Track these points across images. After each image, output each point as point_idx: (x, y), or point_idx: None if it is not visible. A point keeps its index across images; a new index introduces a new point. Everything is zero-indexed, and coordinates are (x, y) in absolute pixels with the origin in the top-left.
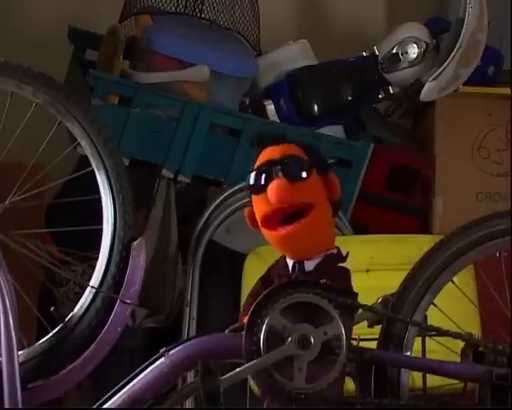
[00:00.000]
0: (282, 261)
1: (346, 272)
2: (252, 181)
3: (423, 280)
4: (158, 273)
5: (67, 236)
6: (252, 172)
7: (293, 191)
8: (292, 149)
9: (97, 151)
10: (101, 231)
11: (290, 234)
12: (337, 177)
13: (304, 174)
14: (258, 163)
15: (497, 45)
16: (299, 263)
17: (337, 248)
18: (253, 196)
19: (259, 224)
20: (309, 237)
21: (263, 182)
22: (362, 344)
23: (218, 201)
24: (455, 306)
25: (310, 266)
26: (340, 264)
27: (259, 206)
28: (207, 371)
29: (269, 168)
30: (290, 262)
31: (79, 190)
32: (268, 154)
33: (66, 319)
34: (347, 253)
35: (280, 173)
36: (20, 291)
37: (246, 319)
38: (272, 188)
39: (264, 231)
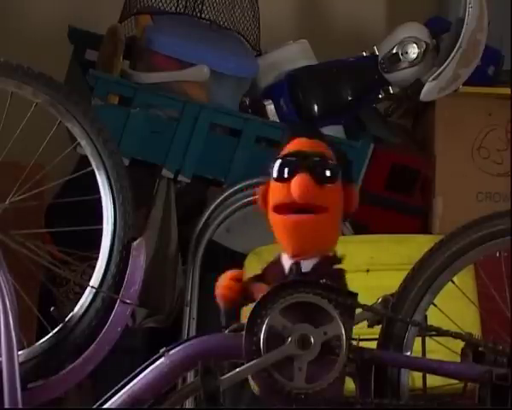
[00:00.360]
0: (277, 262)
1: (343, 273)
2: (277, 168)
3: (423, 280)
4: (158, 273)
5: (67, 236)
6: (278, 158)
7: (316, 192)
8: (323, 147)
9: (97, 151)
10: (101, 231)
11: (299, 223)
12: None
13: (330, 178)
14: (286, 151)
15: (497, 45)
16: (296, 264)
17: (334, 251)
18: (272, 181)
19: (270, 207)
20: (315, 233)
21: (288, 173)
22: (362, 344)
23: (218, 201)
24: (455, 306)
25: (307, 266)
26: (336, 266)
27: (278, 193)
28: (207, 371)
29: (297, 161)
30: (287, 263)
31: (79, 190)
32: (298, 144)
33: (66, 319)
34: (343, 255)
35: (307, 170)
36: (20, 291)
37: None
38: (297, 183)
39: (272, 215)
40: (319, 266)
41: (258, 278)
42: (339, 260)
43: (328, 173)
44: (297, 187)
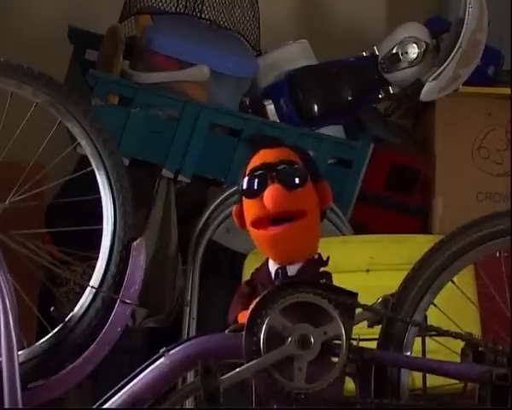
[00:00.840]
0: (264, 268)
1: (329, 276)
2: (245, 185)
3: (423, 280)
4: (158, 273)
5: (67, 236)
6: (245, 175)
7: (290, 199)
8: (287, 153)
9: (97, 151)
10: (101, 231)
11: (280, 234)
12: (330, 181)
13: (300, 182)
14: (251, 166)
15: (497, 45)
16: (281, 268)
17: (318, 253)
18: (245, 199)
19: (248, 225)
20: (297, 240)
21: (257, 187)
22: (362, 344)
23: (218, 201)
24: (455, 306)
25: (292, 270)
26: (322, 268)
27: (252, 209)
28: (207, 371)
29: (264, 174)
30: (273, 268)
31: (79, 190)
32: (263, 157)
33: (66, 319)
34: (328, 257)
35: (276, 180)
36: (20, 291)
37: (241, 318)
38: (269, 195)
39: (252, 231)
40: (305, 269)
41: (248, 284)
42: (325, 263)
43: (297, 178)
44: (270, 199)
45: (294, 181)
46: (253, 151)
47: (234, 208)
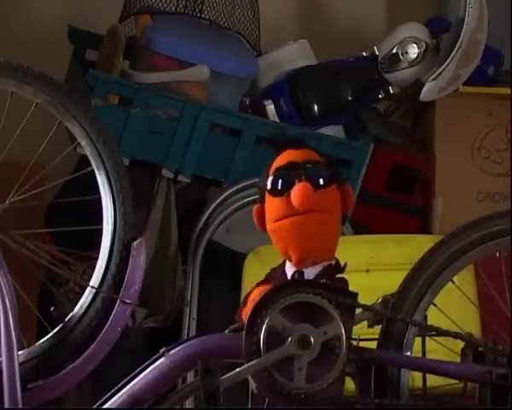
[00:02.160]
0: (279, 270)
1: (345, 282)
2: (271, 183)
3: (423, 280)
4: (158, 273)
5: (67, 236)
6: (269, 175)
7: (316, 197)
8: (312, 154)
9: (97, 151)
10: (101, 231)
11: (304, 221)
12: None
13: (326, 182)
14: (276, 165)
15: (497, 45)
16: (299, 272)
17: (336, 258)
18: (268, 197)
19: (271, 222)
20: (319, 231)
21: (284, 185)
22: (362, 344)
23: (218, 201)
24: (455, 306)
25: (310, 275)
26: (339, 275)
27: (277, 208)
28: (207, 371)
29: (291, 172)
30: (289, 271)
31: (79, 190)
32: (288, 157)
33: (66, 319)
34: (345, 263)
35: (303, 178)
36: (20, 291)
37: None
38: (297, 192)
39: (275, 225)
40: (322, 275)
41: (261, 284)
42: (342, 269)
43: (323, 178)
44: (298, 196)
45: (321, 181)
46: (277, 152)
47: (255, 208)
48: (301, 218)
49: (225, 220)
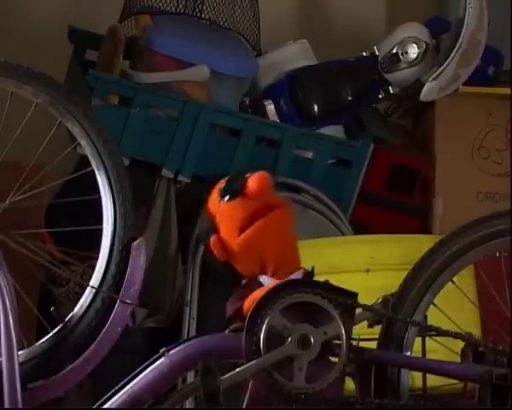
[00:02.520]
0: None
1: None
2: (224, 189)
3: (423, 280)
4: (158, 273)
5: (67, 236)
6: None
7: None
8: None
9: (97, 151)
10: (101, 231)
11: (275, 216)
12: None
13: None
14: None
15: (497, 45)
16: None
17: (302, 268)
18: (225, 206)
19: (234, 238)
20: (289, 226)
21: (237, 185)
22: (362, 344)
23: None
24: (455, 306)
25: None
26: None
27: (237, 212)
28: (207, 371)
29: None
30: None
31: (79, 190)
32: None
33: (66, 319)
34: (313, 268)
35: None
36: (20, 291)
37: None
38: (254, 177)
39: (243, 236)
40: None
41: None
42: (313, 274)
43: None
44: (256, 180)
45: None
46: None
47: (212, 241)
48: (272, 214)
49: None
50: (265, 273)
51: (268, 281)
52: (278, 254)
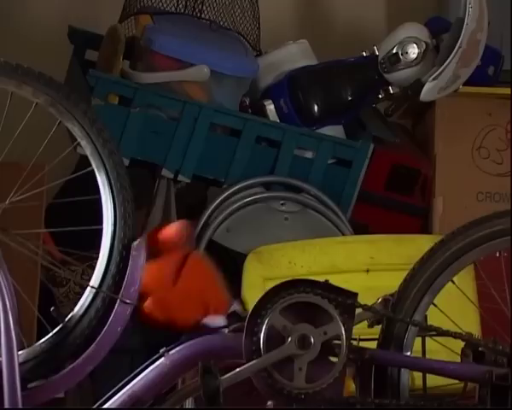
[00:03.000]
0: None
1: None
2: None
3: (423, 280)
4: None
5: (67, 236)
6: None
7: None
8: None
9: (97, 151)
10: (101, 231)
11: (195, 263)
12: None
13: None
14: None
15: (497, 45)
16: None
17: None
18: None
19: (169, 289)
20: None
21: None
22: (362, 344)
23: (218, 201)
24: (455, 306)
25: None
26: None
27: (163, 268)
28: (207, 371)
29: None
30: (215, 322)
31: (79, 190)
32: None
33: (66, 319)
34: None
35: None
36: (20, 291)
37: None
38: (173, 226)
39: (179, 286)
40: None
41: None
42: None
43: None
44: (175, 227)
45: None
46: None
47: (146, 306)
48: (194, 256)
49: (225, 220)
50: (208, 314)
51: (214, 321)
52: (216, 288)
